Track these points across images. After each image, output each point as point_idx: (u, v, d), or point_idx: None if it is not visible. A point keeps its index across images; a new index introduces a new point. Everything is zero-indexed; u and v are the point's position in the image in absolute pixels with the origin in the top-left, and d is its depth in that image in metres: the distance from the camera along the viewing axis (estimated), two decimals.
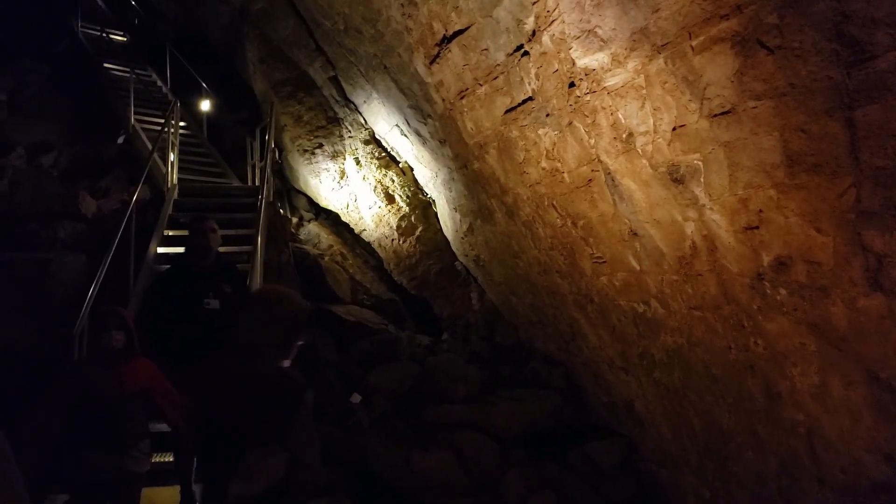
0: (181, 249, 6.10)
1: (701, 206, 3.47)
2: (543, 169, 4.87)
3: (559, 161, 4.64)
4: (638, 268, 4.38)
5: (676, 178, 3.56)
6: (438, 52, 5.44)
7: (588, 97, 3.97)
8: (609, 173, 4.16)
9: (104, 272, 4.95)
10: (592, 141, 4.15)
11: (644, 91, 3.48)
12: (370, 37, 6.65)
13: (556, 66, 4.14)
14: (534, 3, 4.05)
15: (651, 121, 3.53)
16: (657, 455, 5.16)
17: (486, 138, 5.49)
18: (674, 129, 3.38)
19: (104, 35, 12.14)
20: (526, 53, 4.42)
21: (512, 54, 4.59)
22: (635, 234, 4.24)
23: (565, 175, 4.65)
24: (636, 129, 3.69)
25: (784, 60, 2.62)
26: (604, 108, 3.88)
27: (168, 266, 4.93)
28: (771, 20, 2.60)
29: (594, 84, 3.84)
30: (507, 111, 4.96)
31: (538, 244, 5.63)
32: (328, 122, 8.97)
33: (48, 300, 5.87)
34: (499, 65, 4.81)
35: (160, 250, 6.27)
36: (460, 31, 5.01)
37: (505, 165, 5.45)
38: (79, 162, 9.38)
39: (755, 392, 3.67)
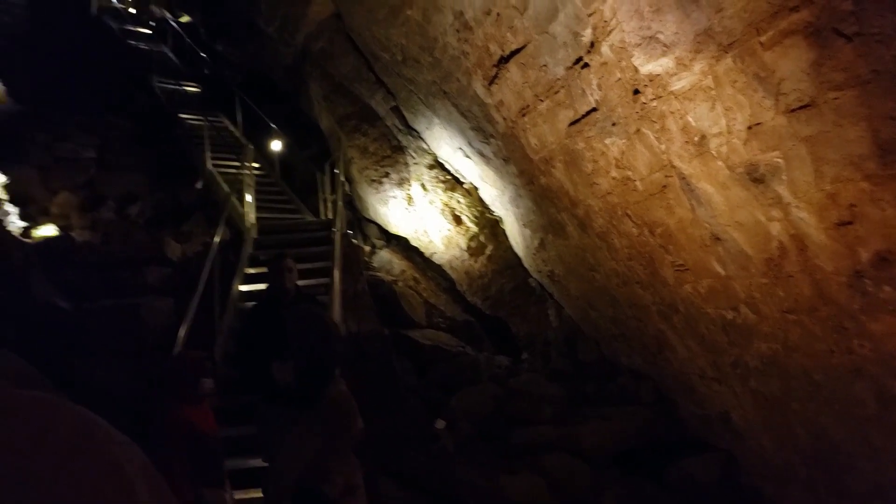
0: (262, 286, 6.31)
1: (786, 205, 3.30)
2: (614, 178, 4.77)
3: (630, 169, 4.53)
4: (723, 273, 4.21)
5: (756, 177, 3.41)
6: (496, 73, 5.45)
7: (654, 103, 3.86)
8: (684, 178, 4.02)
9: (192, 315, 5.13)
10: (663, 146, 4.03)
11: (713, 92, 3.36)
12: (428, 65, 6.73)
13: (619, 75, 4.06)
14: (590, 15, 3.99)
15: (724, 121, 3.40)
16: (760, 469, 4.90)
17: (551, 153, 5.43)
18: (749, 127, 3.24)
19: (178, 87, 12.77)
20: (586, 65, 4.36)
21: (571, 67, 4.53)
22: (717, 238, 4.07)
23: (637, 183, 4.54)
24: (708, 130, 3.56)
25: (864, 47, 2.48)
26: (672, 113, 3.77)
27: (253, 304, 5.08)
28: (846, 7, 2.47)
29: (660, 89, 3.75)
30: (571, 124, 4.89)
31: (615, 255, 5.50)
32: (393, 151, 9.11)
33: (140, 343, 6.15)
34: (559, 79, 4.77)
35: (242, 288, 6.48)
36: (517, 50, 5.00)
37: (573, 178, 5.36)
38: (162, 209, 9.88)
39: (865, 397, 3.43)
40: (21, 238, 8.12)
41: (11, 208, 8.90)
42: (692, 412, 5.71)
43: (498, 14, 5.04)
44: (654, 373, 6.18)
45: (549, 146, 5.37)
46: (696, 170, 3.85)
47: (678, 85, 3.57)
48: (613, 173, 4.73)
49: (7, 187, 9.11)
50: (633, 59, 3.75)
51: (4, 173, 9.16)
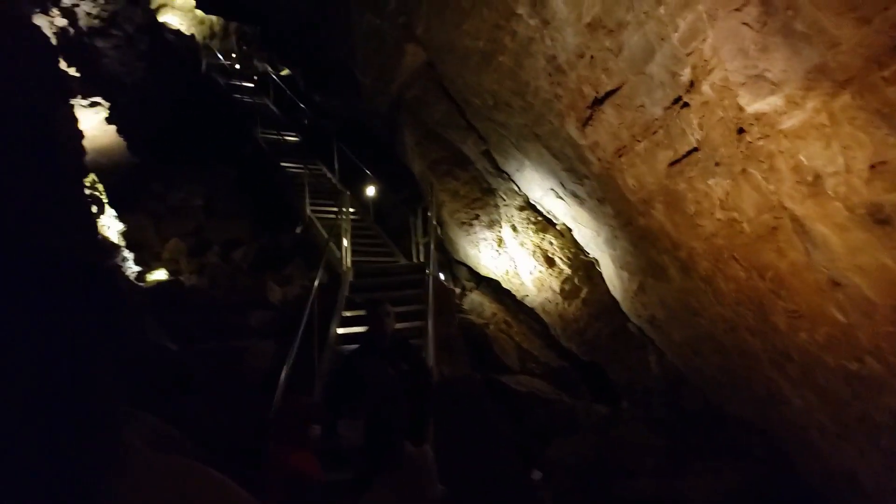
0: (359, 329, 6.41)
1: None
2: (719, 220, 4.56)
3: (736, 211, 4.33)
4: (844, 320, 3.90)
5: (880, 218, 3.16)
6: (591, 115, 5.39)
7: (761, 142, 3.69)
8: (796, 219, 3.79)
9: (293, 358, 5.25)
10: (772, 187, 3.83)
11: (828, 130, 3.17)
12: (519, 108, 6.76)
13: (721, 114, 3.92)
14: (689, 55, 3.89)
15: (841, 160, 3.19)
16: None
17: (650, 193, 5.28)
18: (871, 166, 3.02)
19: (280, 137, 13.43)
20: (685, 105, 4.24)
21: (670, 107, 4.42)
22: (836, 283, 3.79)
23: (744, 225, 4.32)
24: (823, 170, 3.35)
25: None
26: (781, 152, 3.58)
27: (352, 348, 5.16)
28: None
29: (767, 128, 3.58)
30: (671, 164, 4.75)
31: (721, 300, 5.23)
32: (483, 194, 9.15)
33: (244, 385, 6.36)
34: (656, 119, 4.65)
35: (340, 331, 6.60)
36: (612, 92, 4.93)
37: (674, 219, 5.18)
38: (264, 253, 10.33)
39: None
40: (136, 283, 8.67)
41: (128, 254, 9.54)
42: (810, 468, 5.28)
43: (592, 56, 5.01)
44: (766, 425, 5.78)
45: (647, 187, 5.22)
46: (810, 211, 3.62)
47: (788, 123, 3.40)
48: (718, 215, 4.53)
49: (124, 234, 9.79)
50: (737, 99, 3.61)
51: (122, 221, 9.85)
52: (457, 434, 5.49)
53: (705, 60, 3.77)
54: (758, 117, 3.59)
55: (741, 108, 3.67)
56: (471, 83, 7.54)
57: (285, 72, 19.41)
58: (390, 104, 10.42)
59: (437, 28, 7.56)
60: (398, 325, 6.09)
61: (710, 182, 4.41)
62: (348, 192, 9.21)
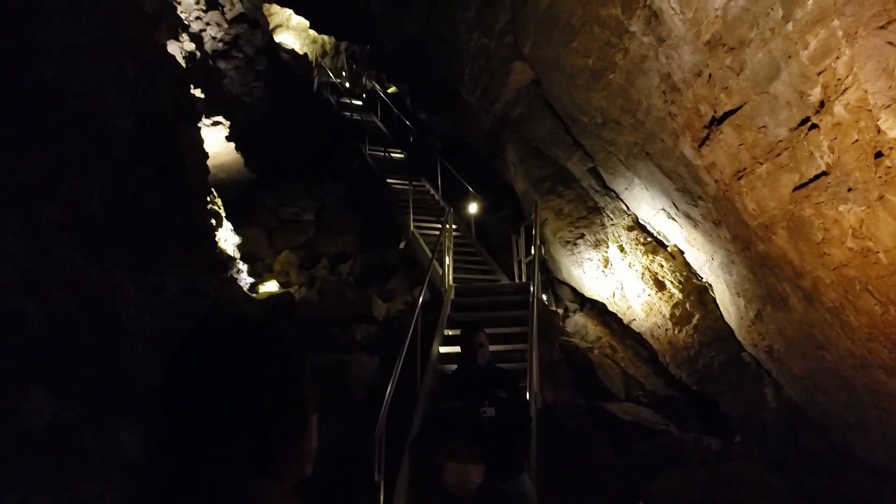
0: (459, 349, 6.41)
1: None
2: (850, 249, 4.22)
3: (871, 240, 3.99)
4: None
5: None
6: (708, 135, 5.16)
7: None
8: None
9: (398, 374, 5.30)
10: None
11: None
12: (629, 126, 6.58)
13: (856, 137, 3.64)
14: (819, 74, 3.65)
15: None
16: None
17: (771, 218, 4.97)
18: None
19: (386, 154, 13.77)
20: (814, 126, 3.97)
21: (796, 129, 4.16)
22: None
23: (881, 255, 3.98)
24: None
25: None
26: None
27: (451, 370, 5.15)
28: None
29: None
30: (796, 188, 4.46)
31: (850, 334, 4.83)
32: (588, 212, 8.95)
33: (348, 399, 6.49)
34: (780, 141, 4.39)
35: (442, 350, 6.62)
36: (732, 111, 4.70)
37: (798, 246, 4.85)
38: (369, 268, 10.58)
39: None
40: (249, 294, 9.09)
41: (242, 266, 10.04)
42: None
43: (710, 75, 4.80)
44: None
45: (769, 211, 4.93)
46: None
47: None
48: (850, 243, 4.20)
49: (240, 247, 10.31)
50: (878, 121, 3.33)
51: (238, 234, 10.39)
52: (559, 463, 5.36)
53: (838, 80, 3.52)
54: None
55: (880, 131, 3.39)
56: (578, 100, 7.42)
57: (392, 89, 19.93)
58: (494, 122, 10.45)
59: (545, 46, 7.51)
60: (499, 348, 6.06)
61: (841, 209, 4.10)
62: (451, 210, 9.27)
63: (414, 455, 4.68)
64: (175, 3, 9.51)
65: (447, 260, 8.13)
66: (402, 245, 10.79)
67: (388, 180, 12.67)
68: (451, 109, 12.07)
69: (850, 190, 3.94)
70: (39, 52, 3.97)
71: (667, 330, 7.87)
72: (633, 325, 8.45)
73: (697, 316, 7.58)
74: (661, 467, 5.97)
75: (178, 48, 9.39)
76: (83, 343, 4.16)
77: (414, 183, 11.86)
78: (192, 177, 6.30)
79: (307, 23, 17.53)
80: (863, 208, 3.91)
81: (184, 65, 9.14)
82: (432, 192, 12.64)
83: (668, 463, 6.05)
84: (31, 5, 3.87)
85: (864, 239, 4.05)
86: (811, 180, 4.27)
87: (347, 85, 22.12)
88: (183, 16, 9.83)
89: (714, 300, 7.41)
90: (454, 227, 10.30)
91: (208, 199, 9.22)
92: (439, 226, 9.26)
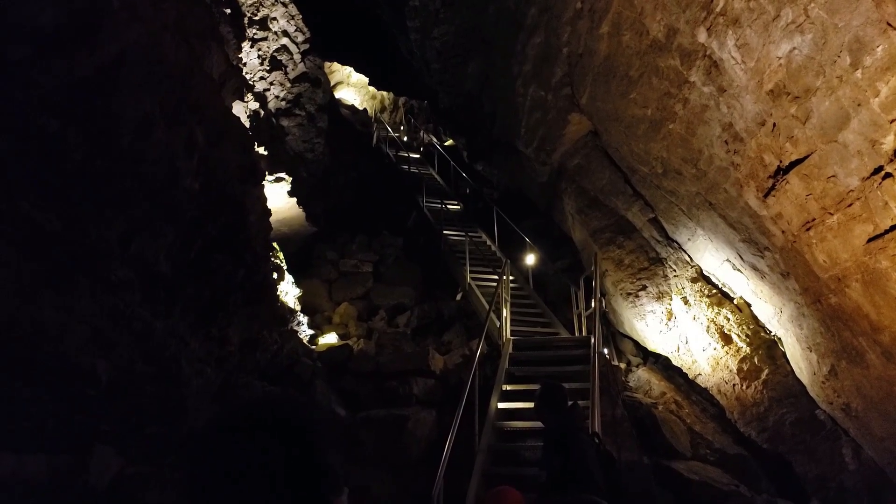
0: (519, 405, 6.27)
1: None
2: None
3: None
4: None
5: None
6: (773, 185, 5.02)
7: None
8: None
9: (455, 432, 5.20)
10: None
11: None
12: (691, 176, 6.47)
13: None
14: (892, 122, 3.52)
15: None
16: None
17: (844, 271, 4.75)
18: None
19: (443, 206, 13.91)
20: (888, 175, 3.81)
21: (868, 178, 4.01)
22: None
23: None
24: None
25: None
26: None
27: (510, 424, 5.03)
28: None
29: None
30: (871, 240, 4.27)
31: None
32: (650, 263, 8.76)
33: (405, 454, 6.41)
34: (852, 191, 4.23)
35: (500, 405, 6.48)
36: (798, 161, 4.57)
37: (875, 300, 4.60)
38: (426, 319, 10.57)
39: None
40: (309, 346, 9.19)
41: (303, 318, 10.18)
42: None
43: (774, 124, 4.70)
44: None
45: (841, 263, 4.71)
46: None
47: None
48: None
49: (300, 299, 10.49)
50: None
51: (299, 286, 10.58)
52: None
53: None
54: None
55: None
56: (637, 151, 7.37)
57: (449, 142, 20.26)
58: (551, 173, 10.45)
59: (603, 97, 7.52)
60: None
61: None
62: (508, 261, 9.23)
63: None
64: (240, 66, 9.99)
65: (504, 312, 8.05)
66: (458, 296, 10.76)
67: (445, 231, 12.75)
68: (508, 161, 12.15)
69: None
70: (116, 122, 4.21)
71: (734, 385, 7.54)
72: (699, 381, 8.13)
73: (766, 371, 7.24)
74: None
75: (243, 108, 9.80)
76: (148, 399, 4.26)
77: (470, 234, 11.89)
78: (256, 234, 6.48)
79: (367, 79, 18.14)
80: None
81: (248, 124, 9.53)
82: (489, 242, 12.64)
83: None
84: (106, 80, 4.12)
85: None
86: (887, 231, 4.08)
87: (405, 139, 22.60)
88: (248, 76, 10.28)
89: (784, 354, 7.08)
90: (511, 278, 10.22)
91: (271, 254, 9.46)
92: (496, 277, 9.21)
